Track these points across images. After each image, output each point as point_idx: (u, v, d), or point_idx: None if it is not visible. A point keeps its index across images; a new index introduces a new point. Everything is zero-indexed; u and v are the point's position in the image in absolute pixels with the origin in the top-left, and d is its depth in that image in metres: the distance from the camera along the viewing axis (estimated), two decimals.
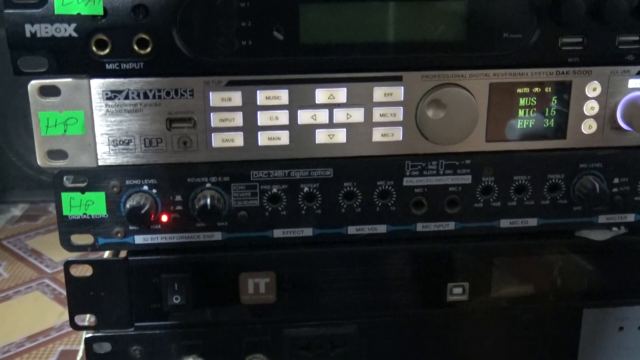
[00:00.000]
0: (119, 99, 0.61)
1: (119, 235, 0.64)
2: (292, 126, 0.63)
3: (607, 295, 0.72)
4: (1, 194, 1.71)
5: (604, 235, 0.69)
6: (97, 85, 0.60)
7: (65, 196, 0.63)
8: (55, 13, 0.57)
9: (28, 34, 0.58)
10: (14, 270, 1.37)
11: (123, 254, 0.67)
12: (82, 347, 0.68)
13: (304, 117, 0.63)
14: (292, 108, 0.62)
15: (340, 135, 0.64)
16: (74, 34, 0.58)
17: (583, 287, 0.71)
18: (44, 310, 1.21)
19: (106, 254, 0.68)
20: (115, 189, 0.63)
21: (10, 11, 0.57)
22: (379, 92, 0.63)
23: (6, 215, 1.65)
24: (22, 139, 1.66)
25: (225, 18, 0.59)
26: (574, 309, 0.72)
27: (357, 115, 0.63)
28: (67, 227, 0.64)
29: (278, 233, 0.66)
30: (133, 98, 0.61)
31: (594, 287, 0.71)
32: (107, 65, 0.59)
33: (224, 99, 0.62)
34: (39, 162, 0.61)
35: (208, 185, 0.64)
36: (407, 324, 0.71)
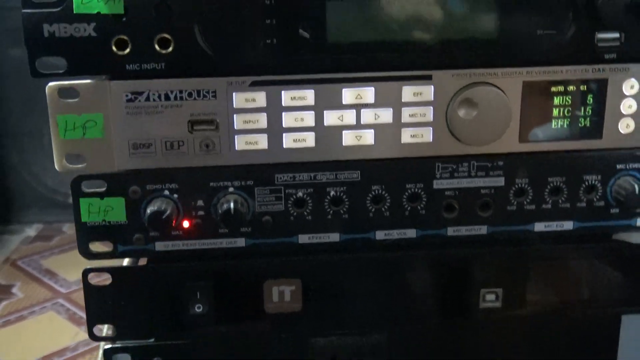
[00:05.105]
0: (140, 100, 0.60)
1: (139, 242, 0.63)
2: (318, 127, 0.62)
3: None
4: (15, 214, 1.74)
5: None
6: (117, 86, 0.59)
7: (83, 202, 0.62)
8: (75, 12, 0.57)
9: (46, 34, 0.57)
10: (28, 291, 1.38)
11: (143, 261, 0.66)
12: (100, 358, 0.67)
13: (331, 118, 0.62)
14: (318, 109, 0.61)
15: (368, 137, 0.62)
16: (94, 34, 0.57)
17: (621, 292, 0.70)
18: (58, 331, 1.22)
19: (125, 262, 0.68)
20: (135, 194, 0.62)
21: (29, 11, 0.56)
22: (408, 92, 0.62)
23: (20, 236, 1.68)
24: (37, 158, 1.67)
25: (250, 16, 0.58)
26: (612, 315, 0.71)
27: (385, 115, 0.62)
28: (86, 234, 0.62)
29: (304, 239, 0.65)
30: (154, 100, 0.60)
31: (633, 292, 0.70)
32: (127, 66, 0.58)
33: (248, 100, 0.60)
34: (56, 167, 0.60)
35: (231, 189, 0.62)
36: (439, 333, 0.70)
